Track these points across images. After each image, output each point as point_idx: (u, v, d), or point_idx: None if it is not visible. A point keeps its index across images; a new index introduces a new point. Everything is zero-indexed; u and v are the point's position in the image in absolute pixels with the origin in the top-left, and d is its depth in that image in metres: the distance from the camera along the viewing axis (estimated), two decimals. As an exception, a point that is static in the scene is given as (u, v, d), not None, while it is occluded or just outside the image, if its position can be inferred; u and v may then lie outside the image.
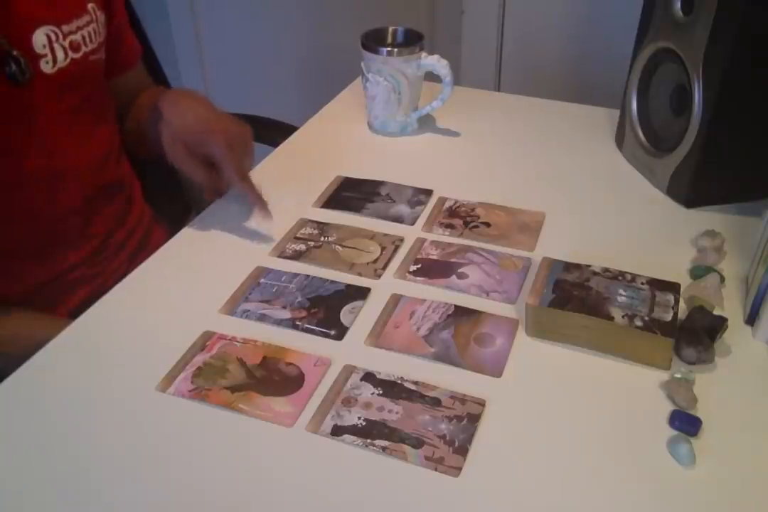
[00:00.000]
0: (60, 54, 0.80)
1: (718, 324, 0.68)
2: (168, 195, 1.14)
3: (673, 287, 0.70)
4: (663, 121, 0.92)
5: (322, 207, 0.90)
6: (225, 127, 0.84)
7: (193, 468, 0.58)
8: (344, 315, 0.73)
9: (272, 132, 1.12)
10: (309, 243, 0.83)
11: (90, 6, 0.85)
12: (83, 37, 0.83)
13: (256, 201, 0.84)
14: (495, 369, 0.67)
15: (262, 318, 0.73)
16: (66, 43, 0.81)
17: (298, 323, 0.72)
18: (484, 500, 0.56)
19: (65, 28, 0.81)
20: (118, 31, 0.93)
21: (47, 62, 0.79)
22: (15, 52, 0.76)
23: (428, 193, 0.92)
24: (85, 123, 0.88)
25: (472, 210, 0.89)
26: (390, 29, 1.05)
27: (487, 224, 0.86)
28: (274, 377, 0.66)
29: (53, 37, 0.79)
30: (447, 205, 0.90)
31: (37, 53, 0.78)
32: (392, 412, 0.62)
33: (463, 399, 0.63)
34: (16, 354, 0.69)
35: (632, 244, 0.83)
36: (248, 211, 0.88)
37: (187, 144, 0.83)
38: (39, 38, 0.78)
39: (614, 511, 0.55)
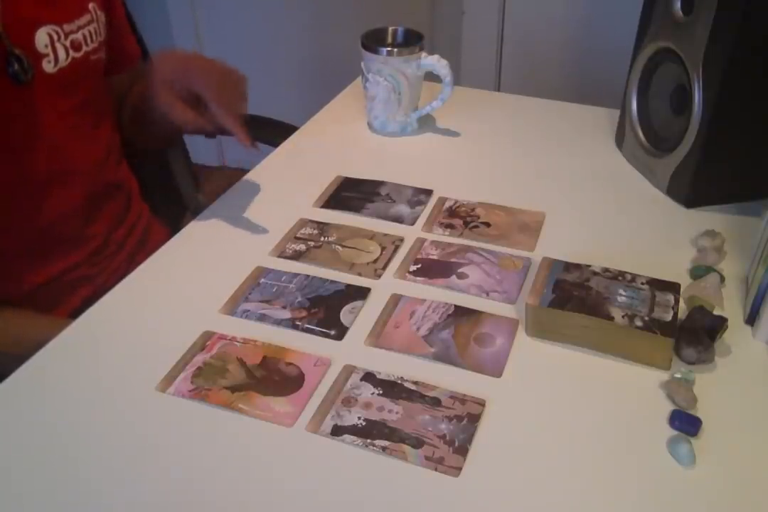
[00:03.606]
0: (61, 53, 0.80)
1: (718, 324, 0.68)
2: (164, 194, 1.14)
3: (673, 287, 0.70)
4: (663, 121, 0.92)
5: (322, 207, 0.90)
6: (213, 65, 0.83)
7: (193, 468, 0.58)
8: (344, 315, 0.73)
9: (272, 132, 1.12)
10: (309, 243, 0.83)
11: (91, 5, 0.85)
12: (84, 37, 0.83)
13: (238, 133, 0.81)
14: (495, 369, 0.67)
15: (262, 318, 0.73)
16: (67, 43, 0.81)
17: (298, 323, 0.72)
18: (484, 500, 0.56)
19: (67, 27, 0.81)
20: (117, 30, 0.93)
21: (49, 61, 0.79)
22: (17, 51, 0.76)
23: (428, 193, 0.92)
24: (87, 122, 0.88)
25: (472, 210, 0.89)
26: (390, 29, 1.05)
27: (487, 224, 0.86)
28: (274, 377, 0.66)
29: (55, 37, 0.79)
30: (447, 205, 0.90)
31: (40, 52, 0.78)
32: (392, 412, 0.62)
33: (463, 399, 0.63)
34: (16, 354, 0.69)
35: (632, 244, 0.83)
36: (248, 211, 0.88)
37: (175, 85, 0.82)
38: (41, 37, 0.78)
39: (614, 511, 0.55)
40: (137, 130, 0.99)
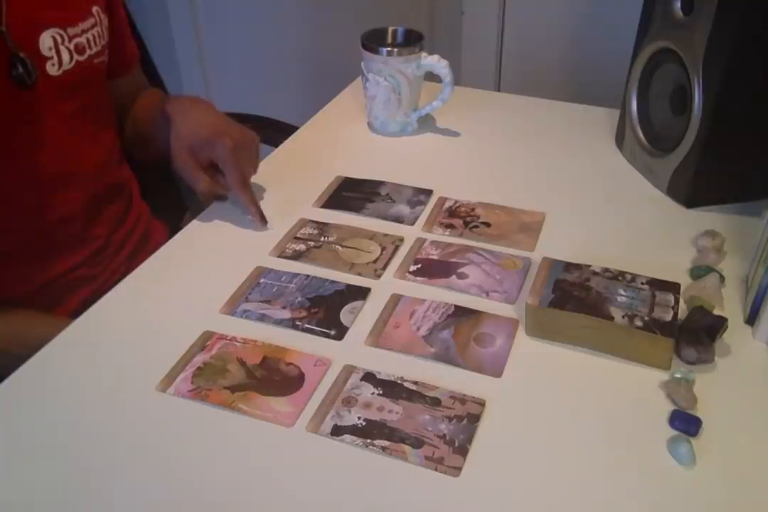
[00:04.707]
0: (66, 56, 0.80)
1: (718, 324, 0.68)
2: (164, 194, 1.14)
3: (673, 287, 0.70)
4: (663, 121, 0.92)
5: (322, 207, 0.90)
6: (232, 132, 0.84)
7: (193, 468, 0.58)
8: (344, 315, 0.73)
9: (272, 132, 1.12)
10: (309, 243, 0.83)
11: (95, 9, 0.85)
12: (88, 40, 0.83)
13: (251, 209, 0.84)
14: (495, 369, 0.67)
15: (262, 318, 0.73)
16: (71, 46, 0.81)
17: (298, 323, 0.72)
18: (484, 500, 0.56)
19: (71, 30, 0.81)
20: (118, 32, 0.93)
21: (53, 64, 0.79)
22: (22, 54, 0.76)
23: (428, 193, 0.92)
24: (90, 125, 0.88)
25: (472, 210, 0.89)
26: (390, 29, 1.05)
27: (487, 224, 0.86)
28: (274, 377, 0.66)
29: (59, 40, 0.79)
30: (447, 205, 0.90)
31: (44, 55, 0.78)
32: (392, 412, 0.62)
33: (463, 399, 0.63)
34: (17, 354, 0.69)
35: (632, 244, 0.83)
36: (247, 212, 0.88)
37: (193, 150, 0.84)
38: (45, 40, 0.78)
39: (614, 511, 0.55)
40: (139, 152, 1.01)
